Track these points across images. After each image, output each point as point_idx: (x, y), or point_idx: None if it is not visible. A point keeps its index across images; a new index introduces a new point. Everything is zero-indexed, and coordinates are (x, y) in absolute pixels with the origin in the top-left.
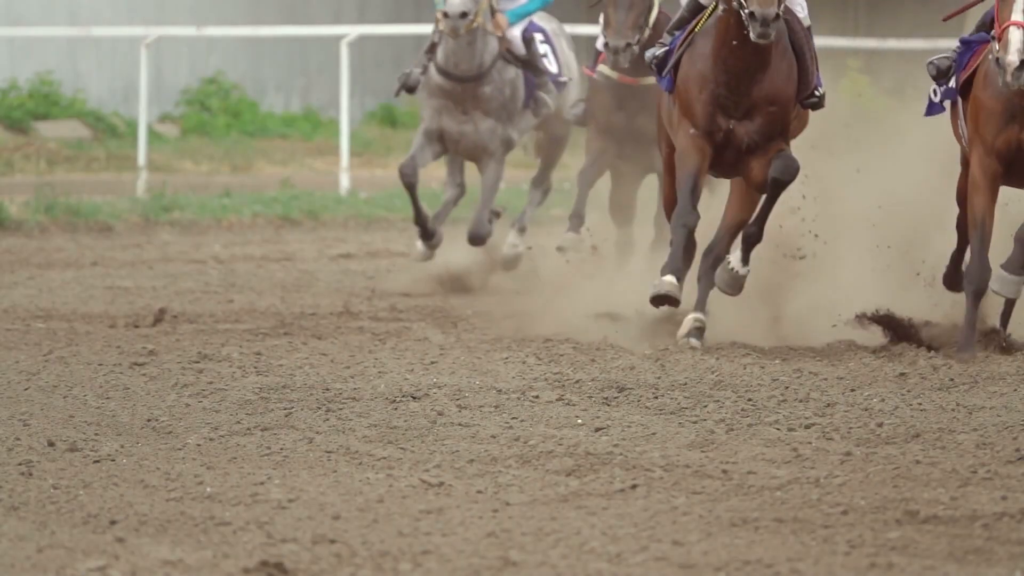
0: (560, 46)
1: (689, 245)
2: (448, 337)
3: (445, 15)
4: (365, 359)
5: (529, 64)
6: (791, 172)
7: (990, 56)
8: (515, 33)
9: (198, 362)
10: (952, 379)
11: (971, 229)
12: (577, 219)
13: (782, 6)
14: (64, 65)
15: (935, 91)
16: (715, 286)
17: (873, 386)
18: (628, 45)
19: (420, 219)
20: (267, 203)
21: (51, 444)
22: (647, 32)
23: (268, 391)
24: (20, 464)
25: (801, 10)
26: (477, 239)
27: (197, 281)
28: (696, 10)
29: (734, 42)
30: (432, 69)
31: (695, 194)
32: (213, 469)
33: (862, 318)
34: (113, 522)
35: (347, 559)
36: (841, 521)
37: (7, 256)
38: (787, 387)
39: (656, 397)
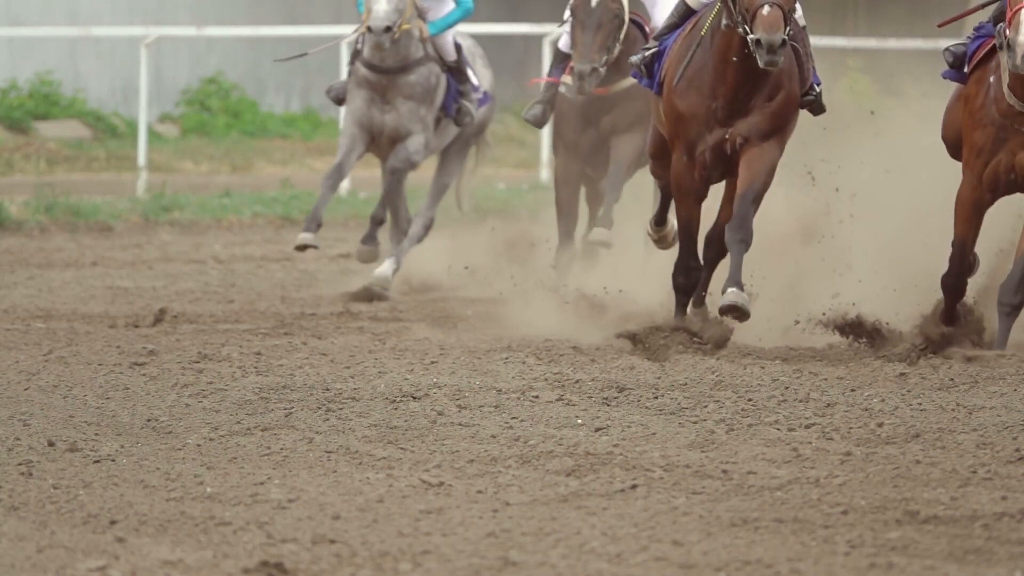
0: (476, 65)
1: (697, 284)
2: (448, 337)
3: (369, 30)
4: (365, 359)
5: (456, 70)
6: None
7: (997, 41)
8: (447, 38)
9: (198, 362)
10: (952, 379)
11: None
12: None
13: (789, 30)
14: (64, 65)
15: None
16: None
17: (873, 386)
18: (594, 69)
19: (316, 216)
20: (267, 203)
21: (51, 444)
22: (616, 50)
23: (268, 391)
24: (20, 464)
25: (796, 8)
26: (374, 224)
27: (197, 281)
28: (685, 15)
29: (734, 59)
30: (358, 63)
31: (694, 243)
32: (213, 469)
33: (829, 323)
34: (113, 522)
35: (347, 559)
36: (841, 521)
37: (7, 256)
38: (787, 387)
39: (656, 397)
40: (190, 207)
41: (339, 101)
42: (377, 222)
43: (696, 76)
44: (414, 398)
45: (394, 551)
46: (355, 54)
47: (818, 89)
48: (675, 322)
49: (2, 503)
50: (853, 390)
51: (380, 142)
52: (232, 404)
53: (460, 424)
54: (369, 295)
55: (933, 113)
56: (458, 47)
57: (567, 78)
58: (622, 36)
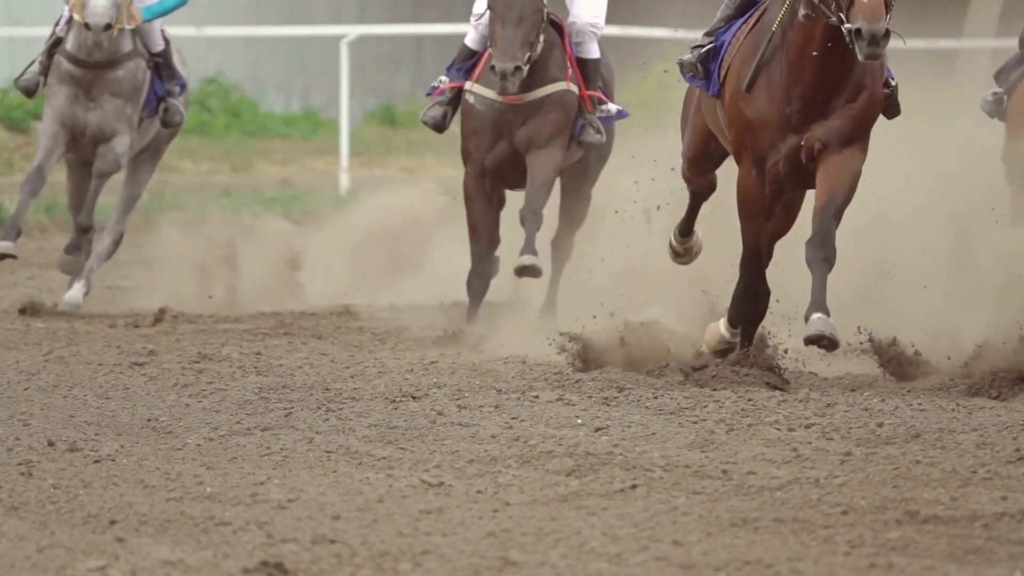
0: (176, 59)
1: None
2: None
3: (87, 26)
4: (365, 359)
5: (164, 62)
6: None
7: None
8: (155, 27)
9: (198, 362)
10: (952, 379)
11: None
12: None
13: (890, 17)
14: None
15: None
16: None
17: (873, 386)
18: (518, 68)
19: (15, 224)
20: (267, 203)
21: (51, 444)
22: (539, 47)
23: (268, 391)
24: (20, 464)
25: None
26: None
27: (197, 281)
28: (745, 7)
29: (815, 54)
30: (60, 56)
31: (762, 267)
32: (213, 469)
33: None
34: (113, 522)
35: (347, 559)
36: (841, 521)
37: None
38: (787, 387)
39: (656, 397)
40: (190, 207)
41: (28, 93)
42: (83, 230)
43: (767, 78)
44: (414, 398)
45: (394, 551)
46: (55, 43)
47: (893, 84)
48: (739, 355)
49: (2, 503)
50: (853, 390)
51: (82, 142)
52: (232, 404)
53: (460, 424)
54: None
55: (932, 115)
56: (166, 40)
57: (474, 85)
58: (540, 43)
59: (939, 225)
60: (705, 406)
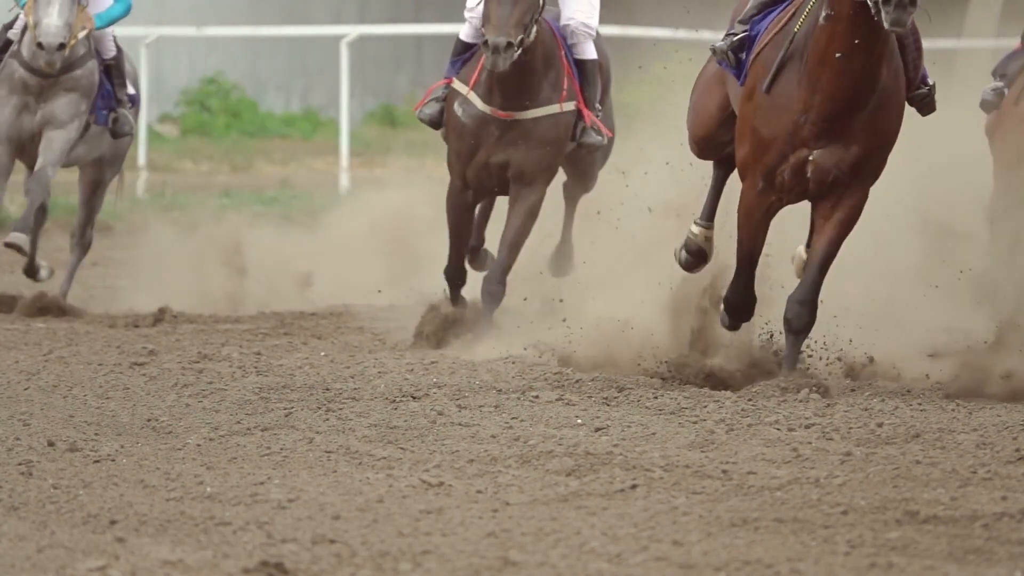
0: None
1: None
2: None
3: (40, 46)
4: (365, 359)
5: (115, 69)
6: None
7: None
8: (108, 34)
9: (198, 362)
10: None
11: None
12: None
13: None
14: None
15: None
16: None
17: (873, 386)
18: (510, 44)
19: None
20: (267, 203)
21: (51, 444)
22: (532, 33)
23: (268, 391)
24: (20, 464)
25: None
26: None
27: (197, 281)
28: None
29: (838, 55)
30: (15, 63)
31: (754, 268)
32: (213, 469)
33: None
34: (113, 522)
35: (347, 559)
36: (841, 521)
37: (7, 256)
38: (787, 387)
39: (656, 397)
40: (190, 207)
41: None
42: (39, 223)
43: (785, 86)
44: (414, 398)
45: (394, 551)
46: (4, 46)
47: (931, 83)
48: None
49: (2, 503)
50: (853, 390)
51: (30, 148)
52: (232, 404)
53: (460, 424)
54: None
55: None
56: (119, 49)
57: (470, 93)
58: (534, 29)
59: (932, 228)
60: (705, 406)
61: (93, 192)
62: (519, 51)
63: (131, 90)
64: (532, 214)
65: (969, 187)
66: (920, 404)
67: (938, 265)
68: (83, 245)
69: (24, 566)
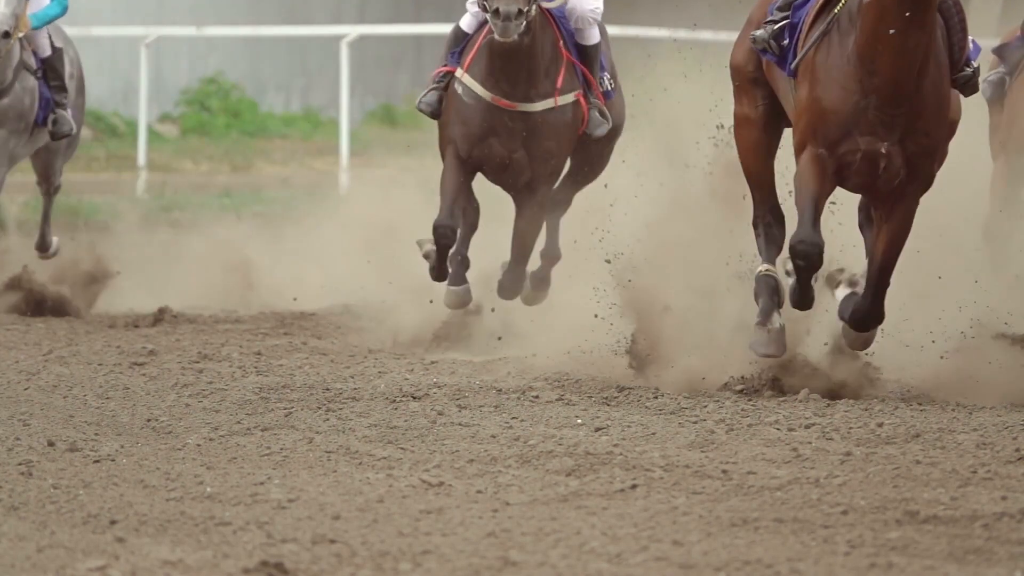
0: (69, 54)
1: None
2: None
3: None
4: (365, 359)
5: (51, 70)
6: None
7: None
8: (43, 33)
9: (198, 362)
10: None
11: None
12: (462, 265)
13: None
14: None
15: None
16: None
17: (873, 386)
18: (520, 12)
19: None
20: (267, 203)
21: (51, 444)
22: (534, 7)
23: (268, 391)
24: (20, 464)
25: None
26: None
27: (197, 281)
28: None
29: (891, 31)
30: None
31: (817, 216)
32: (213, 469)
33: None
34: (113, 522)
35: (347, 559)
36: (841, 521)
37: (7, 256)
38: (787, 387)
39: (656, 397)
40: (190, 207)
41: None
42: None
43: (833, 66)
44: (414, 398)
45: (394, 551)
46: None
47: (975, 64)
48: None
49: (2, 503)
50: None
51: None
52: (232, 404)
53: (460, 424)
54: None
55: None
56: (55, 48)
57: (463, 75)
58: (534, 8)
59: (925, 229)
60: (705, 406)
61: (47, 178)
62: (524, 25)
63: (69, 83)
64: (540, 225)
65: (966, 187)
66: (920, 404)
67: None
68: (50, 193)
69: (24, 566)
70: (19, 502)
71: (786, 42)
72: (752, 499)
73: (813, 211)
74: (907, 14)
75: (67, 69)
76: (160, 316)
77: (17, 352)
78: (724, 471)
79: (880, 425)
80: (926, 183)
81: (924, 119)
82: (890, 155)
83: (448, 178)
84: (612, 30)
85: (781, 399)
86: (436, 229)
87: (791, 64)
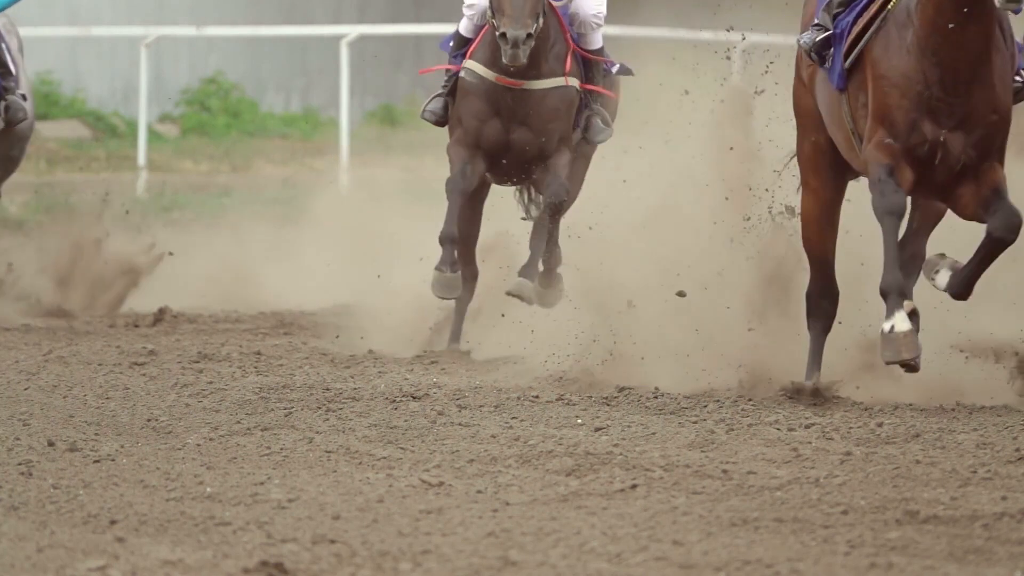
0: (11, 45)
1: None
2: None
3: None
4: (365, 359)
5: None
6: (1013, 228)
7: None
8: None
9: (198, 362)
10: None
11: None
12: (450, 244)
13: None
14: (64, 65)
15: None
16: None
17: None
18: (529, 36)
19: None
20: (267, 203)
21: (51, 444)
22: (540, 22)
23: (268, 391)
24: (20, 464)
25: None
26: None
27: (197, 281)
28: None
29: (951, 25)
30: None
31: (896, 177)
32: (213, 469)
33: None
34: (113, 522)
35: (347, 559)
36: (841, 521)
37: (7, 256)
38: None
39: (656, 397)
40: (190, 207)
41: None
42: None
43: (896, 58)
44: (414, 398)
45: (394, 551)
46: None
47: None
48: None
49: (2, 503)
50: (855, 389)
51: None
52: (232, 404)
53: (460, 424)
54: None
55: None
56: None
57: (467, 60)
58: (541, 19)
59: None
60: (705, 406)
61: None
62: (532, 42)
63: (16, 72)
64: (567, 164)
65: None
66: (920, 404)
67: None
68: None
69: (24, 566)
70: (19, 502)
71: (832, 53)
72: (752, 499)
73: (889, 170)
74: (964, 9)
75: (12, 44)
76: (160, 316)
77: (17, 352)
78: (724, 471)
79: (880, 425)
80: (999, 157)
81: (990, 103)
82: (947, 143)
83: (456, 149)
84: (612, 30)
85: (781, 399)
86: (448, 183)
87: (843, 65)
